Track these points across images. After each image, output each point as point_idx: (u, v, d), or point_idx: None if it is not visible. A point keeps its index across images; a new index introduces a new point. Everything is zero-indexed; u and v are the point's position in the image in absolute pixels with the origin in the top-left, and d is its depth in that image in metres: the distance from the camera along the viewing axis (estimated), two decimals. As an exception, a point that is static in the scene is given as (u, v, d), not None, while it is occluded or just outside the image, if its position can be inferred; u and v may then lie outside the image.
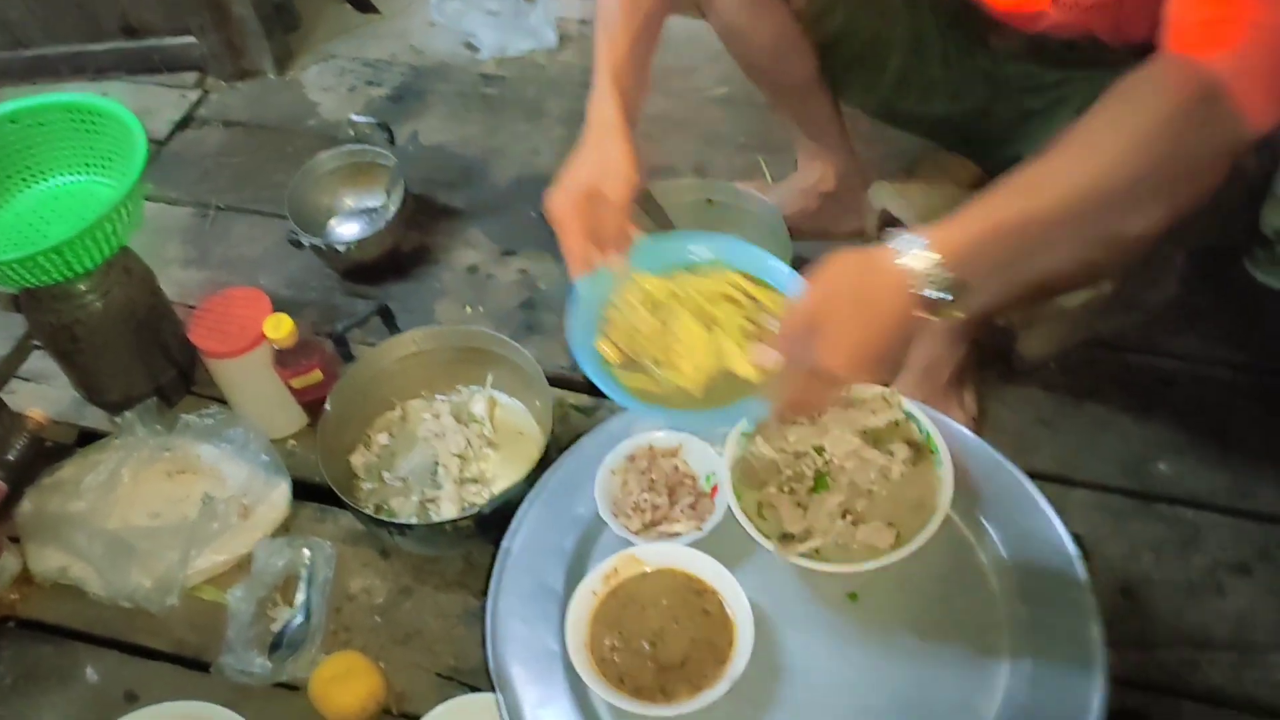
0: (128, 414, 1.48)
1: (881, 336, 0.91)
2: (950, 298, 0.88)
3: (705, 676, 1.05)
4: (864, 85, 1.49)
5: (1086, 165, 0.89)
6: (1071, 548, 1.13)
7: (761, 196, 1.65)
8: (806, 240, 1.69)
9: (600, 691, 1.05)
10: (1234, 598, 1.31)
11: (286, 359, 1.44)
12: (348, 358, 1.52)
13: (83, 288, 1.44)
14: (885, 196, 1.66)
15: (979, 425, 1.45)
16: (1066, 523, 1.14)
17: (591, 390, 1.60)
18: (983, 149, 1.51)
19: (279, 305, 1.46)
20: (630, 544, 1.15)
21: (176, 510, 1.46)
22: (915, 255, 0.89)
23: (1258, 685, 1.24)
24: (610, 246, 1.10)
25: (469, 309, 1.74)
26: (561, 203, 1.10)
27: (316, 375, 1.46)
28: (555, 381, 1.58)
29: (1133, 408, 1.50)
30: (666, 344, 1.06)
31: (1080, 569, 1.11)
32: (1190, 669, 1.25)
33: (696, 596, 1.11)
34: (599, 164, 1.09)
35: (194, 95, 2.14)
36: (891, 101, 1.47)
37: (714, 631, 1.08)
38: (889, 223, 1.70)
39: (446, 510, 1.41)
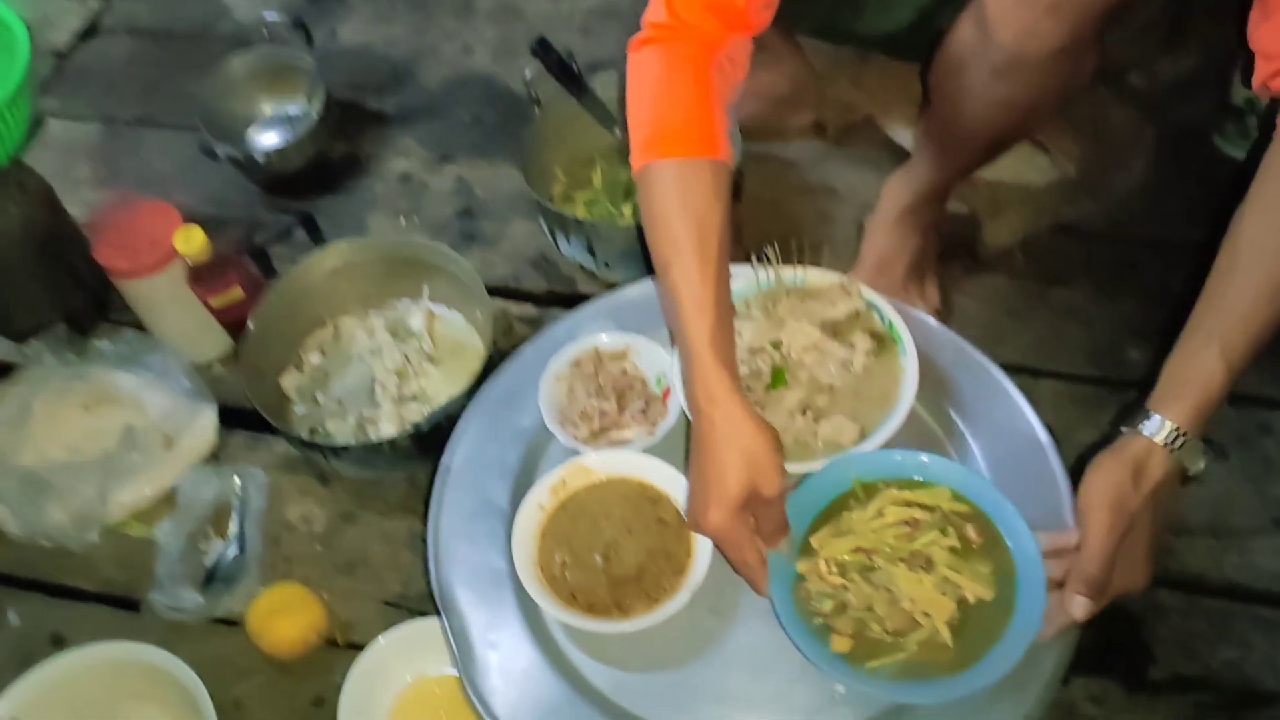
0: (34, 342, 1.38)
1: (1159, 525, 0.93)
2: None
3: (663, 588, 0.99)
4: (797, 13, 1.39)
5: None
6: (1044, 436, 1.07)
7: None
8: (759, 142, 1.61)
9: (551, 610, 0.99)
10: (1211, 483, 1.26)
11: (203, 276, 1.34)
12: (270, 273, 1.42)
13: (-29, 208, 1.33)
14: (841, 89, 1.58)
15: (944, 318, 1.38)
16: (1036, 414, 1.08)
17: (536, 299, 1.53)
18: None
19: (198, 223, 1.35)
20: (579, 453, 1.08)
21: (96, 443, 1.37)
22: (1168, 435, 0.90)
23: (1237, 570, 1.20)
24: (774, 540, 0.96)
25: (403, 220, 1.64)
26: (724, 523, 0.92)
27: (237, 293, 1.36)
28: (496, 291, 1.51)
29: (1100, 294, 1.44)
30: (894, 608, 0.94)
31: (1054, 458, 1.05)
32: (1167, 555, 1.22)
33: (651, 504, 1.04)
34: (744, 465, 0.91)
35: (96, 3, 2.00)
36: (829, 23, 1.38)
37: (671, 540, 1.02)
38: (847, 110, 1.63)
39: (386, 431, 1.33)
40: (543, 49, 1.42)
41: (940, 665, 0.91)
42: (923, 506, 0.98)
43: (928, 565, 0.94)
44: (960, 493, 0.98)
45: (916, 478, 1.00)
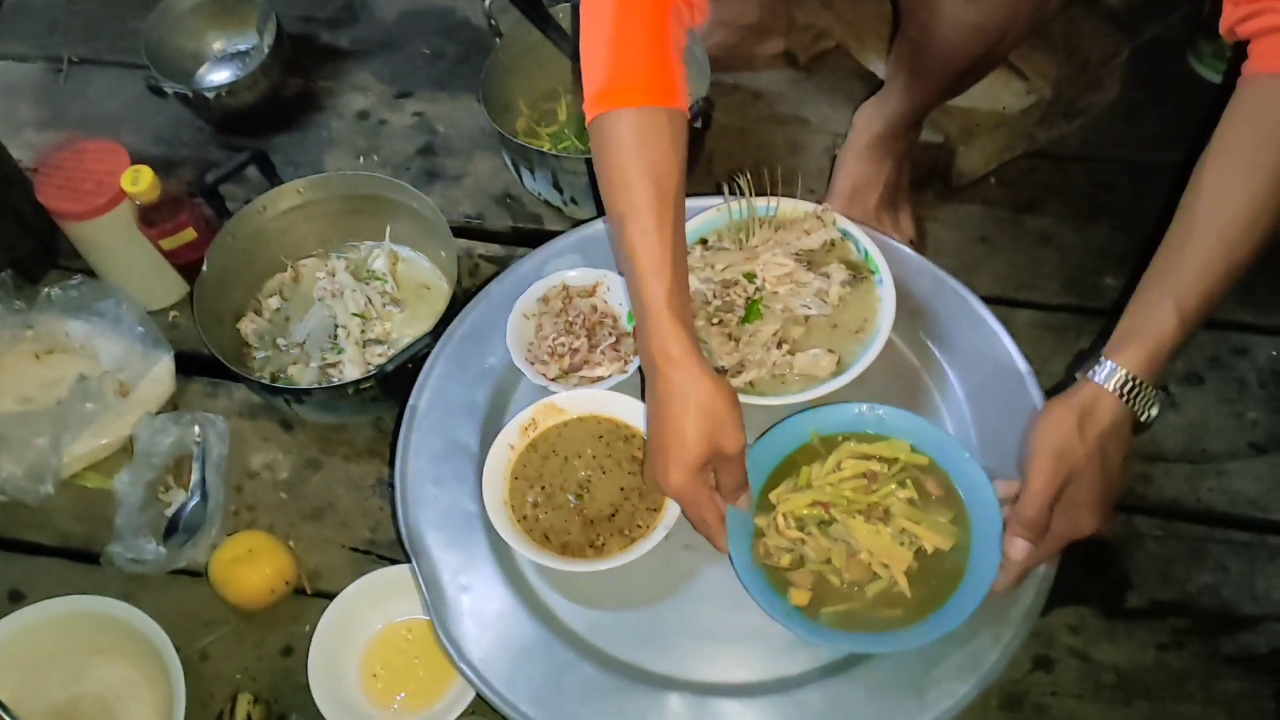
0: (-20, 290, 1.32)
1: (1117, 475, 0.90)
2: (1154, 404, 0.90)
3: (639, 526, 0.97)
4: None
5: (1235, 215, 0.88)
6: (1023, 365, 1.05)
7: None
8: (728, 72, 1.57)
9: (523, 551, 0.97)
10: (1186, 408, 1.25)
11: (152, 217, 1.29)
12: (224, 213, 1.36)
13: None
14: (812, 14, 1.54)
15: (919, 248, 1.35)
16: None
17: (501, 238, 1.49)
18: None
19: (148, 163, 1.30)
20: (549, 392, 1.05)
21: (49, 394, 1.32)
22: (1119, 382, 0.88)
23: (1213, 494, 1.20)
24: (735, 496, 0.94)
25: (362, 159, 1.59)
26: (684, 483, 0.90)
27: (189, 234, 1.31)
28: (461, 231, 1.47)
29: (1075, 219, 1.42)
30: (852, 560, 0.93)
31: (1033, 387, 1.04)
32: (1144, 483, 1.21)
33: (624, 443, 1.02)
34: (704, 424, 0.88)
35: (34, -62, 1.90)
36: None
37: (645, 478, 1.00)
38: (818, 37, 1.59)
39: (350, 375, 1.29)
40: None
41: (899, 615, 0.91)
42: (881, 459, 0.97)
43: (885, 517, 0.94)
44: (918, 446, 0.98)
45: (874, 431, 0.99)
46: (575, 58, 1.46)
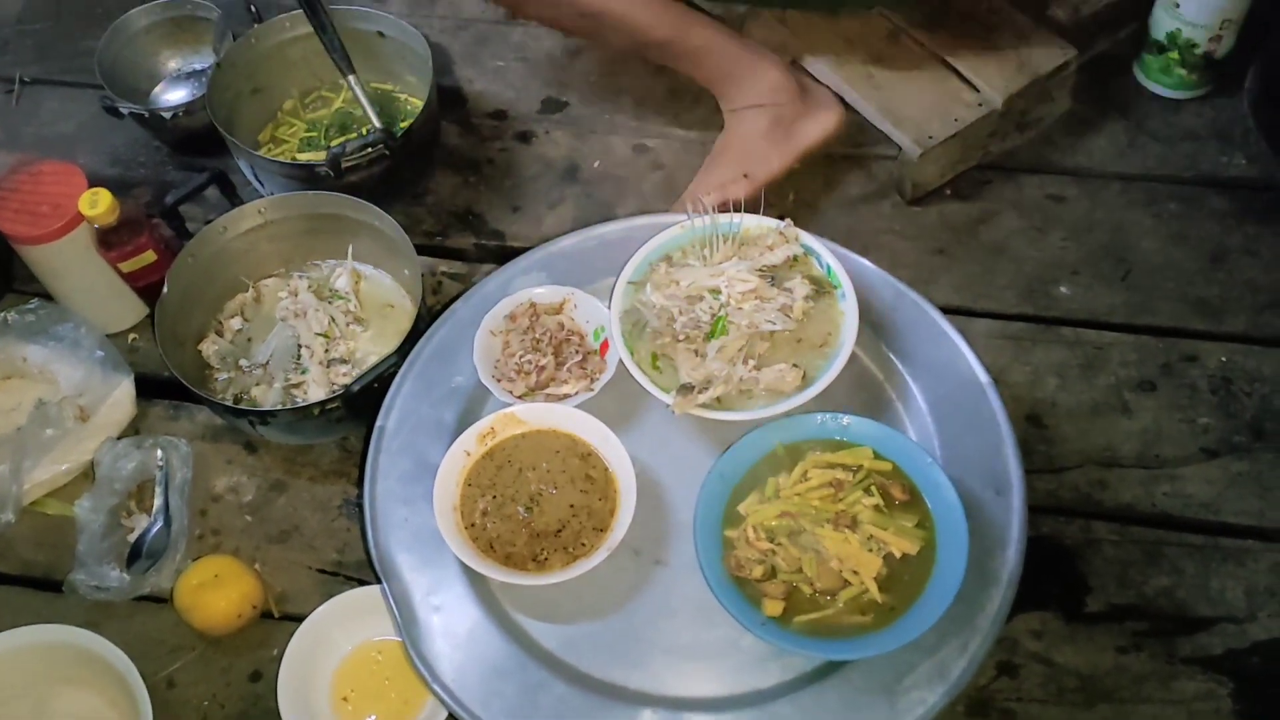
0: (-67, 316, 1.30)
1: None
2: None
3: (583, 545, 0.98)
4: None
5: None
6: (983, 375, 1.08)
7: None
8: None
9: (465, 558, 0.97)
10: (1140, 414, 1.28)
11: (110, 239, 1.28)
12: (184, 235, 1.35)
13: None
14: (768, 30, 1.56)
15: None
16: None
17: (464, 256, 1.49)
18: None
19: (104, 184, 1.28)
20: (514, 408, 1.05)
21: (7, 420, 1.30)
22: None
23: (1168, 499, 1.22)
24: None
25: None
26: None
27: (149, 256, 1.30)
28: (424, 249, 1.47)
29: (1028, 230, 1.45)
30: (823, 568, 0.94)
31: (993, 396, 1.06)
32: (1100, 489, 1.23)
33: (580, 460, 1.03)
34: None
35: (-18, -44, 1.88)
36: None
37: (595, 498, 1.01)
38: (776, 50, 1.60)
39: (315, 395, 1.28)
40: None
41: (870, 620, 0.93)
42: (845, 467, 1.00)
43: (853, 524, 0.96)
44: (880, 451, 1.00)
45: (838, 438, 1.01)
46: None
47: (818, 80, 1.47)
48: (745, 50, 1.37)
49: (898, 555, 0.95)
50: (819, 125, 1.40)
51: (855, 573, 0.94)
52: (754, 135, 1.38)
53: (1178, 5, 1.44)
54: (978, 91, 1.44)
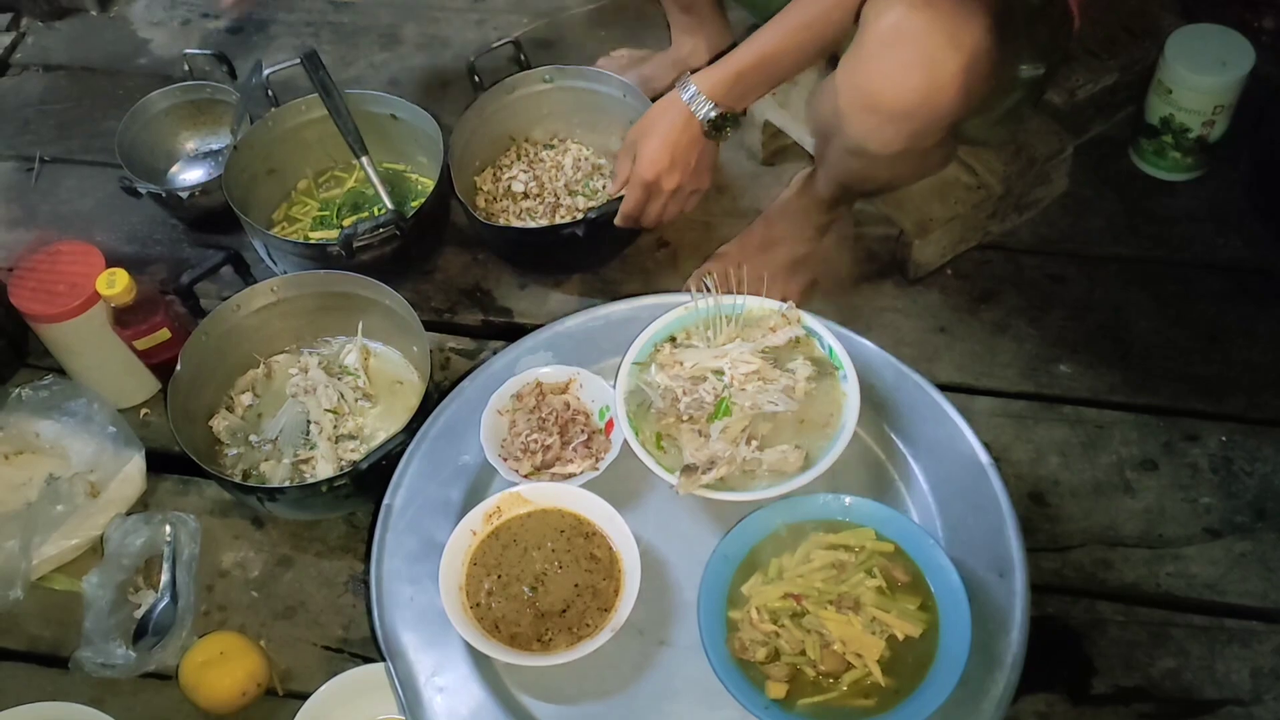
0: (-51, 392, 1.32)
1: (676, 145, 1.27)
2: (724, 120, 1.25)
3: (587, 625, 0.99)
4: None
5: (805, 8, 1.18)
6: (984, 456, 1.09)
7: (619, 76, 1.55)
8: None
9: (470, 638, 0.98)
10: (1142, 494, 1.29)
11: (126, 318, 1.30)
12: (198, 313, 1.38)
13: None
14: (768, 112, 1.59)
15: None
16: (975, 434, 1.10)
17: (472, 332, 1.51)
18: None
19: (121, 262, 1.31)
20: (520, 488, 1.06)
21: (18, 495, 1.32)
22: (691, 94, 1.24)
23: (1172, 579, 1.23)
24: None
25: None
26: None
27: (163, 334, 1.32)
28: (433, 326, 1.49)
29: (1029, 309, 1.47)
30: (827, 650, 0.95)
31: (995, 477, 1.07)
32: (1104, 568, 1.23)
33: (584, 539, 1.04)
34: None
35: (8, 38, 1.94)
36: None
37: (600, 578, 1.02)
38: (776, 134, 1.64)
39: (323, 471, 1.30)
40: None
41: (874, 703, 0.93)
42: (848, 548, 1.00)
43: (856, 606, 0.96)
44: (883, 533, 1.01)
45: (840, 519, 1.02)
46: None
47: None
48: None
49: (901, 638, 0.95)
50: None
51: (859, 655, 0.94)
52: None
53: (1171, 91, 1.47)
54: (976, 175, 1.47)
